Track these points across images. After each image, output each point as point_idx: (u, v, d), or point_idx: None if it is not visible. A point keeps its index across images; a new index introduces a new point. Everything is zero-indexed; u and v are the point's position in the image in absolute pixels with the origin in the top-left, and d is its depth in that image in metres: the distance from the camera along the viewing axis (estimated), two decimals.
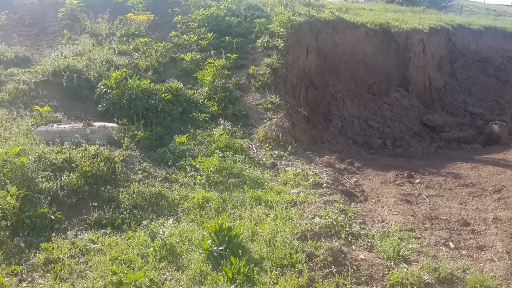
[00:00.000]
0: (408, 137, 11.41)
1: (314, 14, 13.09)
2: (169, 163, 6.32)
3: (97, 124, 6.74)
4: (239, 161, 6.37)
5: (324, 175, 6.39)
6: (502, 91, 15.52)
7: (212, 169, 5.97)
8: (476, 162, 8.81)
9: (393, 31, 14.73)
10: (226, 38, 10.56)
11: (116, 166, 5.73)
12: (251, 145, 7.20)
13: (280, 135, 7.41)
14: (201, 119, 7.69)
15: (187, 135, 7.03)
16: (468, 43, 18.24)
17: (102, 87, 7.54)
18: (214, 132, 7.16)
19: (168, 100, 7.87)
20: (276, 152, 7.03)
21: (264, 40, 10.62)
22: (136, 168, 5.95)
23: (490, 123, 11.87)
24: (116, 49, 9.18)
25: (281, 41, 10.71)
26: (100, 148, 5.96)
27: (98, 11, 10.72)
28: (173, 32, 10.77)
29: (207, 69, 9.04)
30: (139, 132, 6.81)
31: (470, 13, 31.82)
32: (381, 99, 12.93)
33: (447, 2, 30.42)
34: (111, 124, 6.80)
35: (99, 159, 5.69)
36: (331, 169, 7.03)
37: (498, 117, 13.30)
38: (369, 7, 19.74)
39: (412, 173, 7.66)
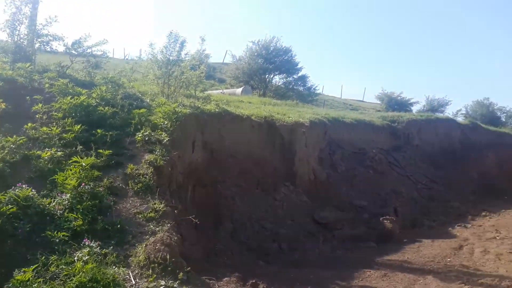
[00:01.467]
0: (302, 237, 10.62)
1: (199, 105, 12.27)
2: None
3: None
4: None
5: None
6: (381, 182, 16.10)
7: None
8: (381, 267, 8.19)
9: (278, 125, 14.60)
10: (98, 130, 8.90)
11: None
12: (129, 274, 5.46)
13: (168, 257, 5.82)
14: (58, 240, 5.76)
15: (35, 266, 5.04)
16: (342, 135, 19.15)
17: None
18: (76, 258, 5.31)
19: (11, 214, 5.83)
20: (163, 282, 5.39)
21: (145, 133, 9.22)
22: None
23: (381, 219, 11.77)
24: None
25: (165, 134, 9.42)
26: None
27: None
28: (29, 124, 8.82)
29: (70, 170, 7.20)
30: None
31: (330, 106, 34.85)
32: (271, 195, 12.17)
33: (313, 96, 32.89)
34: None
35: None
36: None
37: (382, 210, 13.43)
38: (247, 100, 19.86)
39: None
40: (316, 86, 33.51)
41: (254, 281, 6.67)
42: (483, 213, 15.54)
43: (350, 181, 15.39)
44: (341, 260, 9.10)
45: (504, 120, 42.61)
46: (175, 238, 6.60)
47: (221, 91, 24.73)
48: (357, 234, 11.07)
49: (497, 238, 10.92)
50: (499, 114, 44.54)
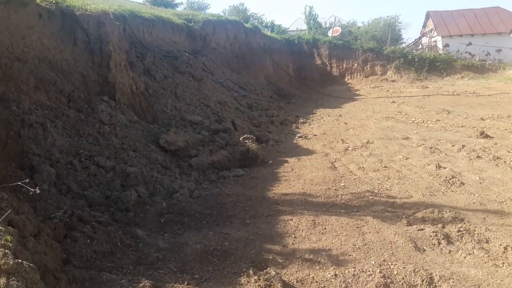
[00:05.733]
0: (157, 174, 7.69)
1: None
2: None
3: None
4: None
5: None
6: (204, 91, 13.83)
7: None
8: (289, 207, 6.30)
9: (78, 14, 10.19)
10: None
11: None
12: None
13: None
14: None
15: None
16: (143, 34, 15.71)
17: None
18: None
19: None
20: None
21: None
22: None
23: (241, 138, 9.72)
24: None
25: None
26: None
27: None
28: None
29: None
30: None
31: None
32: (94, 117, 8.45)
33: None
34: None
35: None
36: None
37: (220, 125, 11.42)
38: None
39: (272, 269, 4.32)
40: None
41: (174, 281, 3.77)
42: (301, 120, 15.45)
43: (174, 91, 12.57)
44: (224, 202, 6.77)
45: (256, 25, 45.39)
46: (9, 238, 3.06)
47: None
48: (218, 161, 8.77)
49: (350, 149, 10.53)
50: (251, 19, 47.28)
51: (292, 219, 5.77)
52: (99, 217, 5.68)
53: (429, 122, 14.72)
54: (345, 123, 14.89)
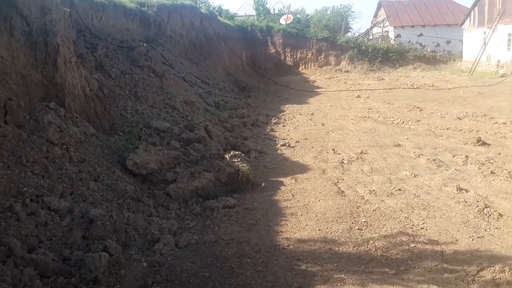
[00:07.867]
0: (129, 213, 5.92)
1: None
2: None
3: None
4: None
5: None
6: (168, 89, 11.89)
7: None
8: (323, 267, 4.85)
9: None
10: None
11: None
12: None
13: None
14: None
15: None
16: (92, 20, 13.47)
17: None
18: None
19: None
20: None
21: None
22: None
23: (228, 157, 8.05)
24: None
25: None
26: None
27: None
28: None
29: None
30: None
31: None
32: (39, 135, 6.44)
33: None
34: None
35: None
36: None
37: (194, 133, 9.66)
38: None
39: None
40: None
41: None
42: (273, 120, 14.01)
43: (134, 91, 10.58)
44: (225, 257, 5.14)
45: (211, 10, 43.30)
46: None
47: None
48: (201, 187, 7.10)
49: (345, 162, 9.26)
50: (198, 3, 44.96)
51: None
52: None
53: (409, 123, 13.86)
54: (322, 124, 13.68)
